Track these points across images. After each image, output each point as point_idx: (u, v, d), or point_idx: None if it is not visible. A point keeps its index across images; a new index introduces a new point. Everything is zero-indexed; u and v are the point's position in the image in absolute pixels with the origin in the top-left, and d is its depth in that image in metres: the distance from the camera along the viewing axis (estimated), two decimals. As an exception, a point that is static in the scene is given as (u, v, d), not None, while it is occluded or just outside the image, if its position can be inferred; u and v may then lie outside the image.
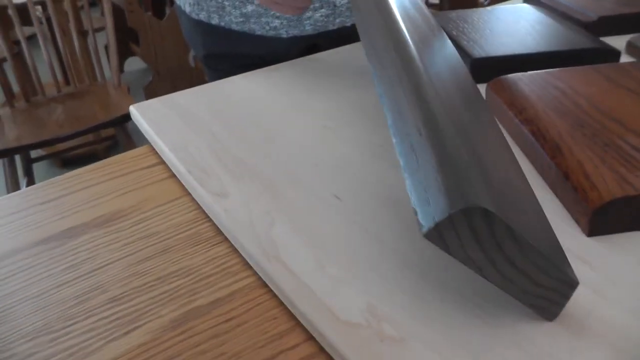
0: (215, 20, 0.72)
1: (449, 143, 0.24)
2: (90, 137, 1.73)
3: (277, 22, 0.70)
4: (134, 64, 2.79)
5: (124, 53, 2.39)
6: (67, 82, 1.54)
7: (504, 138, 0.34)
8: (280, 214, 0.36)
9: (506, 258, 0.23)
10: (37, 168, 1.95)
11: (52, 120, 1.36)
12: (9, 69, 1.51)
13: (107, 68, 1.56)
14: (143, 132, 0.53)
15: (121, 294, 0.34)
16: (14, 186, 1.41)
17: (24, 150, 1.33)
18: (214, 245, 0.38)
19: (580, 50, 0.52)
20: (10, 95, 1.47)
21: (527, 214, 0.25)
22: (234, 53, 0.75)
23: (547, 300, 0.25)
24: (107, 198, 0.45)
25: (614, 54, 0.53)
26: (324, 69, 0.62)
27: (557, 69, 0.47)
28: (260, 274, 0.33)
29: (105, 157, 2.34)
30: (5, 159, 1.37)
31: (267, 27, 0.70)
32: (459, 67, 0.38)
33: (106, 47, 1.56)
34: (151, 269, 0.36)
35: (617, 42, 0.61)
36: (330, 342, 0.26)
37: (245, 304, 0.32)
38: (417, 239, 0.34)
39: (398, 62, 0.31)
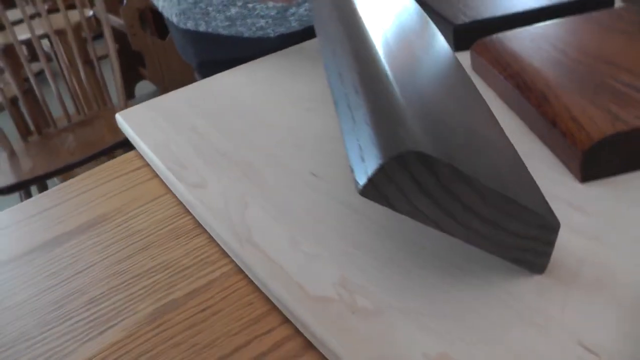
0: (202, 27, 0.72)
1: (384, 95, 0.22)
2: (104, 160, 1.75)
3: (262, 22, 0.69)
4: (144, 87, 2.84)
5: (134, 78, 2.43)
6: (78, 112, 1.56)
7: (481, 100, 0.31)
8: (255, 197, 0.35)
9: (465, 207, 0.20)
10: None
11: (64, 149, 1.38)
12: (21, 104, 1.55)
13: (114, 91, 1.58)
14: (128, 137, 0.52)
15: (100, 294, 0.33)
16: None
17: (38, 181, 1.36)
18: (193, 237, 0.36)
19: (569, 3, 0.49)
20: (24, 130, 1.51)
21: (490, 158, 0.23)
22: (226, 58, 0.74)
23: (529, 252, 0.23)
24: (93, 204, 0.44)
25: (607, 2, 0.50)
26: (307, 56, 0.61)
27: (544, 22, 0.44)
28: (235, 260, 0.32)
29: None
30: (22, 191, 1.39)
31: (254, 28, 0.70)
32: (439, 46, 0.35)
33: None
34: (131, 266, 0.35)
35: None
36: (301, 319, 0.24)
37: (222, 291, 0.31)
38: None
39: (340, 28, 0.29)
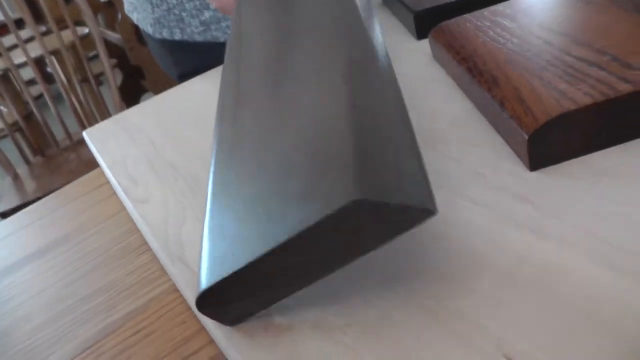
0: (177, 36, 0.71)
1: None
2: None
3: None
4: (149, 98, 2.86)
5: (138, 90, 2.45)
6: (79, 126, 1.58)
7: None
8: (195, 210, 0.33)
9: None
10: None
11: (66, 168, 1.39)
12: (23, 127, 1.56)
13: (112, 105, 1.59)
14: (93, 154, 0.52)
15: (44, 321, 0.32)
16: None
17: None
18: (140, 254, 0.35)
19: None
20: (27, 153, 1.52)
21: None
22: (205, 67, 0.73)
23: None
24: (53, 228, 0.44)
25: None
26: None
27: (503, 2, 0.42)
28: (171, 276, 0.30)
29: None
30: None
31: (229, 32, 0.68)
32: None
33: (119, 88, 1.59)
34: (78, 289, 0.34)
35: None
36: (216, 338, 0.23)
37: (158, 310, 0.29)
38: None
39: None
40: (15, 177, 1.45)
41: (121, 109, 1.52)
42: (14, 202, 1.33)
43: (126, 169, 0.43)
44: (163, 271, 0.32)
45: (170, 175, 0.39)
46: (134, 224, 0.39)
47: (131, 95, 2.30)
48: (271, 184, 0.21)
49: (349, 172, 0.18)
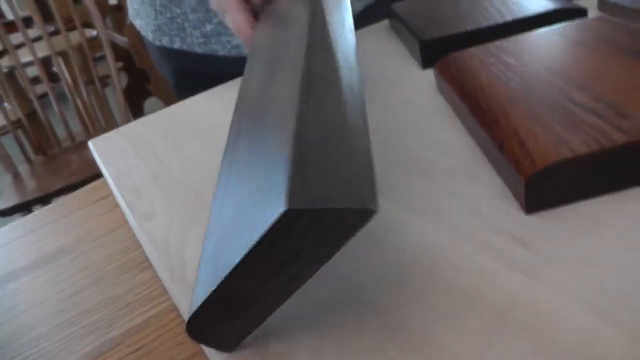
0: (177, 45, 0.72)
1: None
2: (105, 180, 1.77)
3: (238, 41, 0.69)
4: (154, 104, 2.88)
5: (142, 95, 2.46)
6: (84, 130, 1.59)
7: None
8: (199, 231, 0.34)
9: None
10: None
11: (67, 169, 1.40)
12: (26, 125, 1.57)
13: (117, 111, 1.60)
14: (97, 164, 0.52)
15: (46, 332, 0.33)
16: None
17: (41, 201, 1.38)
18: (141, 271, 0.36)
19: (540, 16, 0.48)
20: (29, 152, 1.53)
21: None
22: (202, 75, 0.74)
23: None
24: (54, 237, 0.44)
25: (581, 13, 0.48)
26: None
27: (509, 38, 0.43)
28: (171, 295, 0.31)
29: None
30: (24, 212, 1.41)
31: (229, 47, 0.69)
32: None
33: (124, 91, 1.60)
34: (79, 302, 0.35)
35: (589, 1, 0.56)
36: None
37: (158, 330, 0.30)
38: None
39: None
40: (16, 176, 1.45)
41: (126, 113, 1.53)
42: (14, 200, 1.33)
43: (131, 182, 0.44)
44: (164, 289, 0.33)
45: (175, 191, 0.40)
46: (137, 239, 0.39)
47: (136, 98, 2.31)
48: (238, 208, 0.22)
49: (281, 186, 0.19)
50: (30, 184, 1.39)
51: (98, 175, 1.66)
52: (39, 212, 0.51)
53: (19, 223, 0.49)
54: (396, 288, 0.25)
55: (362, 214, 0.18)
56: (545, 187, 0.28)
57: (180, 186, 0.41)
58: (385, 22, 0.69)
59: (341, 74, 0.26)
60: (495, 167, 0.32)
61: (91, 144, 0.55)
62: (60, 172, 1.41)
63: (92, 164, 1.46)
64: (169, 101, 1.70)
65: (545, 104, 0.32)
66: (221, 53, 0.69)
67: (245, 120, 0.30)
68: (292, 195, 0.18)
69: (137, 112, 2.35)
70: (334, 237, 0.19)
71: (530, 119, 0.31)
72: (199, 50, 0.70)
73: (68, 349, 0.31)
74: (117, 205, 0.46)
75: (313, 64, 0.26)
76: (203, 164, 0.43)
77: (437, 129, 0.39)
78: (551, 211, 0.28)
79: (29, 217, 0.50)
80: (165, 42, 0.72)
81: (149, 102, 2.97)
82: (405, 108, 0.43)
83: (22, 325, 0.34)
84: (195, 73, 0.74)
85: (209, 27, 0.68)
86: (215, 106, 0.55)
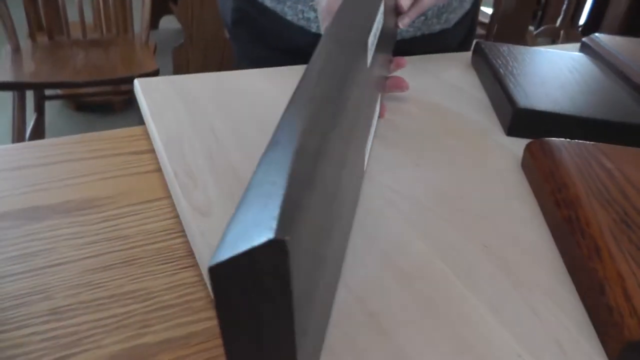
0: None
1: None
2: (108, 87, 1.69)
3: (312, 14, 0.65)
4: (169, 22, 2.74)
5: (161, 10, 2.34)
6: (95, 28, 1.49)
7: None
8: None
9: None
10: (50, 106, 1.92)
11: (71, 64, 1.32)
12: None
13: (139, 21, 1.52)
14: (142, 111, 0.48)
15: (66, 306, 0.30)
16: (20, 120, 1.38)
17: (37, 87, 1.30)
18: (182, 268, 0.33)
19: (637, 126, 0.46)
20: (34, 29, 1.43)
21: None
22: (260, 27, 0.70)
23: None
24: (84, 180, 0.41)
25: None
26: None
27: (608, 144, 0.41)
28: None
29: (121, 111, 2.30)
30: (17, 93, 1.33)
31: (300, 16, 0.66)
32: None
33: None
34: (107, 281, 0.32)
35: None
36: None
37: (199, 353, 0.28)
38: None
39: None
40: (16, 50, 1.36)
41: (147, 28, 1.45)
42: (8, 77, 1.25)
43: (183, 155, 0.40)
44: (209, 303, 0.30)
45: (233, 185, 0.37)
46: (179, 222, 0.37)
47: (156, 10, 2.20)
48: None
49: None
50: (29, 65, 1.30)
51: (104, 82, 1.58)
52: (66, 140, 0.47)
53: (41, 144, 0.45)
54: None
55: (271, 246, 0.16)
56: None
57: (237, 178, 0.38)
58: (467, 55, 0.66)
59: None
60: (579, 291, 0.31)
61: (137, 84, 0.51)
62: (64, 64, 1.33)
63: (99, 67, 1.38)
64: (187, 26, 1.61)
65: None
66: (289, 17, 0.66)
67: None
68: (218, 252, 0.17)
69: (151, 24, 2.24)
70: (270, 280, 0.17)
71: (636, 267, 0.29)
72: (269, 4, 0.66)
73: (90, 339, 0.28)
74: (159, 169, 0.42)
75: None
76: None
77: (514, 215, 0.37)
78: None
79: (53, 140, 0.46)
80: None
81: (165, 19, 2.83)
82: (484, 178, 0.41)
83: (37, 286, 0.31)
84: (255, 23, 0.70)
85: None
86: (275, 88, 0.52)
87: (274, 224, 0.16)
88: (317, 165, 0.20)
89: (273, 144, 0.21)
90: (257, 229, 0.16)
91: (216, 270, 0.16)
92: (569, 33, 2.88)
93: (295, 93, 0.24)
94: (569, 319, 0.29)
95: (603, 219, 0.33)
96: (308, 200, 0.18)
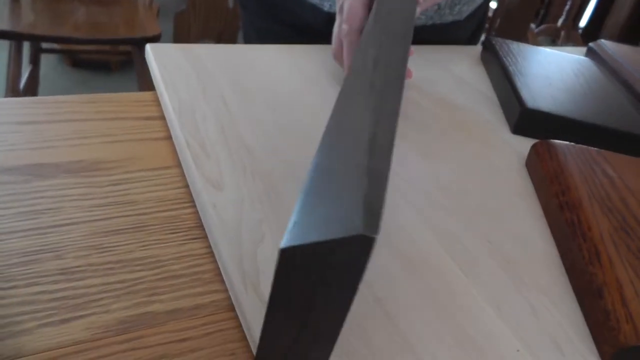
0: None
1: None
2: (107, 50, 1.66)
3: None
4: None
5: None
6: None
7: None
8: (274, 227, 0.32)
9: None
10: (45, 60, 1.87)
11: (71, 20, 1.28)
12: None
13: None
14: (152, 77, 0.48)
15: (75, 267, 0.30)
16: (15, 71, 1.35)
17: (34, 39, 1.26)
18: (192, 239, 0.33)
19: (638, 136, 0.47)
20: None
21: None
22: (272, 1, 0.69)
23: None
24: (92, 141, 0.40)
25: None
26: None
27: (612, 152, 0.42)
28: (232, 298, 0.29)
29: (118, 71, 2.25)
30: (13, 42, 1.30)
31: (325, 3, 0.65)
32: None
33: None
34: (117, 245, 0.32)
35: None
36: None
37: (207, 325, 0.28)
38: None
39: None
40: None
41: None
42: (5, 25, 1.21)
43: (196, 124, 0.40)
44: (217, 276, 0.31)
45: (245, 159, 0.37)
46: (189, 192, 0.37)
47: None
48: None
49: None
50: (28, 15, 1.26)
51: (103, 41, 1.53)
52: (73, 98, 0.46)
53: (46, 100, 0.45)
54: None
55: (359, 241, 0.16)
56: (636, 357, 0.28)
57: (249, 155, 0.38)
58: (477, 50, 0.66)
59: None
60: (577, 296, 0.32)
61: (149, 49, 0.50)
62: (64, 19, 1.29)
63: (99, 26, 1.35)
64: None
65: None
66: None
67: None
68: (290, 236, 0.16)
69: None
70: (343, 268, 0.17)
71: (634, 275, 0.30)
72: None
73: (99, 302, 0.28)
74: (169, 136, 0.42)
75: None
76: (277, 134, 0.41)
77: (517, 217, 0.38)
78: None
79: (59, 97, 0.46)
80: None
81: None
82: (489, 176, 0.42)
83: (47, 244, 0.31)
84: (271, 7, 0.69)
85: None
86: (288, 64, 0.51)
87: (359, 219, 0.16)
88: (389, 159, 0.20)
89: (341, 131, 0.21)
90: (340, 221, 0.16)
91: (288, 253, 0.16)
92: (570, 34, 2.88)
93: (349, 79, 0.25)
94: (566, 319, 0.30)
95: (604, 225, 0.34)
96: (384, 196, 0.18)
